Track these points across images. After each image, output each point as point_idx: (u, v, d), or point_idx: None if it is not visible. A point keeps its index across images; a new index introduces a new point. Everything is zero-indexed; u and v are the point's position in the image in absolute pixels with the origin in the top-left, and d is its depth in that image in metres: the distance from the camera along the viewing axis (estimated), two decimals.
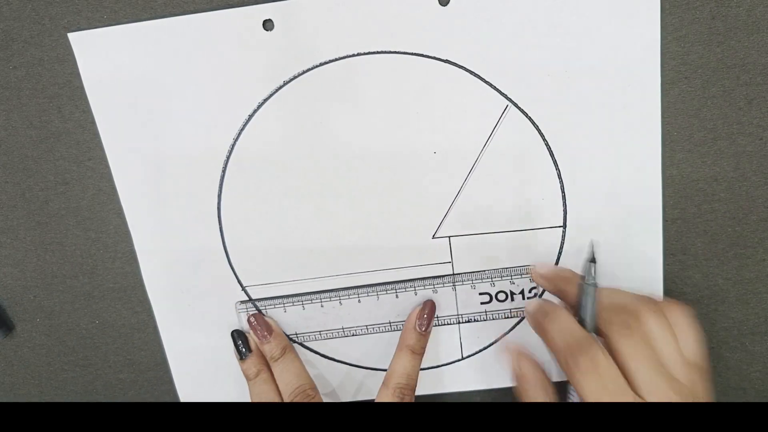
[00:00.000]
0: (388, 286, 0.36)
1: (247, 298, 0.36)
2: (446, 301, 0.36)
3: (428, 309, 0.35)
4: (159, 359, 0.38)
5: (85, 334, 0.38)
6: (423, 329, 0.35)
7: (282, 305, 0.36)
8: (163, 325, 0.37)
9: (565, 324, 0.29)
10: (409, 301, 0.36)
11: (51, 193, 0.35)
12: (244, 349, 0.36)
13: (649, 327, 0.27)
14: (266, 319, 0.36)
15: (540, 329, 0.30)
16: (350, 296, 0.36)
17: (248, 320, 0.36)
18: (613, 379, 0.26)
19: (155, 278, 0.36)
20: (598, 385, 0.25)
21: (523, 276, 0.35)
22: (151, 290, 0.37)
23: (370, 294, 0.36)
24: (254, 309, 0.37)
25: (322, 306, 0.36)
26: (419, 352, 0.35)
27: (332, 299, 0.36)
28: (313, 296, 0.36)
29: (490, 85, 0.32)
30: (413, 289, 0.36)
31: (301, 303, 0.36)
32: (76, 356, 0.39)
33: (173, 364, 0.38)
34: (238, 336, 0.36)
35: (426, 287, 0.36)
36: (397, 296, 0.36)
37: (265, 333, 0.36)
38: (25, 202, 0.36)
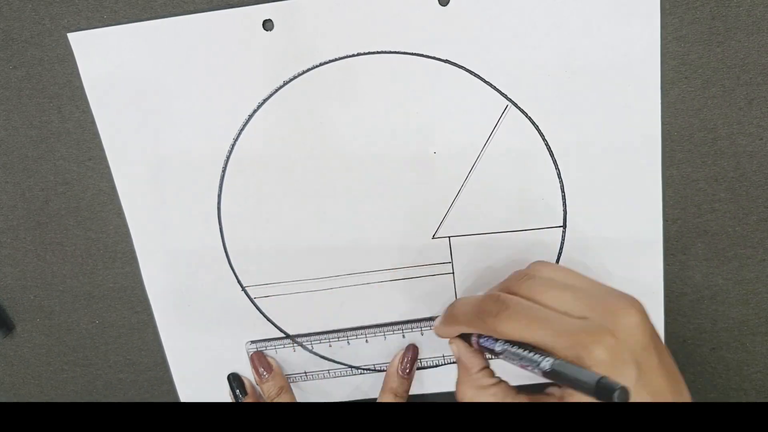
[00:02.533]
0: (395, 327, 0.36)
1: (256, 339, 0.37)
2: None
3: (411, 353, 0.36)
4: (159, 359, 0.38)
5: (85, 334, 0.38)
6: (406, 373, 0.36)
7: (291, 345, 0.37)
8: (162, 325, 0.37)
9: (463, 301, 0.30)
10: (415, 341, 0.37)
11: (51, 193, 0.35)
12: (239, 392, 0.37)
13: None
14: (268, 358, 0.37)
15: (454, 327, 0.31)
16: (358, 336, 0.37)
17: (250, 358, 0.37)
18: (525, 306, 0.27)
19: (155, 278, 0.36)
20: (513, 320, 0.26)
21: None
22: (150, 290, 0.37)
23: (377, 334, 0.37)
24: (264, 347, 0.37)
25: (330, 346, 0.37)
26: (402, 395, 0.36)
27: (340, 339, 0.37)
28: (321, 336, 0.37)
29: (490, 85, 0.32)
30: (419, 329, 0.36)
31: (309, 342, 0.37)
32: (76, 356, 0.39)
33: (173, 364, 0.38)
34: (234, 379, 0.37)
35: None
36: (404, 336, 0.37)
37: (264, 372, 0.36)
38: (25, 202, 0.36)
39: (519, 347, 0.27)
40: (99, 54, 0.33)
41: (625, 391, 0.22)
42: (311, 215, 0.35)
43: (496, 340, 0.28)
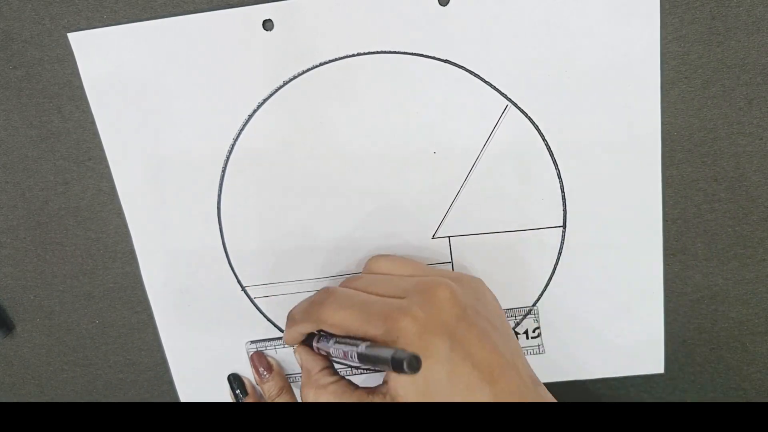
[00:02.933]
0: None
1: (256, 339, 0.37)
2: None
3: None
4: (159, 359, 0.38)
5: (85, 334, 0.38)
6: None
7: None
8: (162, 325, 0.37)
9: (300, 301, 0.31)
10: None
11: (51, 193, 0.35)
12: (239, 392, 0.37)
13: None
14: (268, 359, 0.37)
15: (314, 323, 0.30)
16: None
17: (250, 358, 0.37)
18: (346, 293, 0.29)
19: (155, 278, 0.36)
20: (334, 307, 0.28)
21: (526, 317, 0.36)
22: (150, 290, 0.37)
23: None
24: (264, 347, 0.37)
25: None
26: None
27: None
28: None
29: (490, 85, 0.32)
30: None
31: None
32: (76, 356, 0.39)
33: (173, 364, 0.38)
34: (234, 379, 0.38)
35: None
36: None
37: (264, 372, 0.36)
38: (25, 202, 0.36)
39: (344, 340, 0.28)
40: (99, 54, 0.33)
41: (414, 359, 0.22)
42: (311, 215, 0.35)
43: (330, 338, 0.29)
